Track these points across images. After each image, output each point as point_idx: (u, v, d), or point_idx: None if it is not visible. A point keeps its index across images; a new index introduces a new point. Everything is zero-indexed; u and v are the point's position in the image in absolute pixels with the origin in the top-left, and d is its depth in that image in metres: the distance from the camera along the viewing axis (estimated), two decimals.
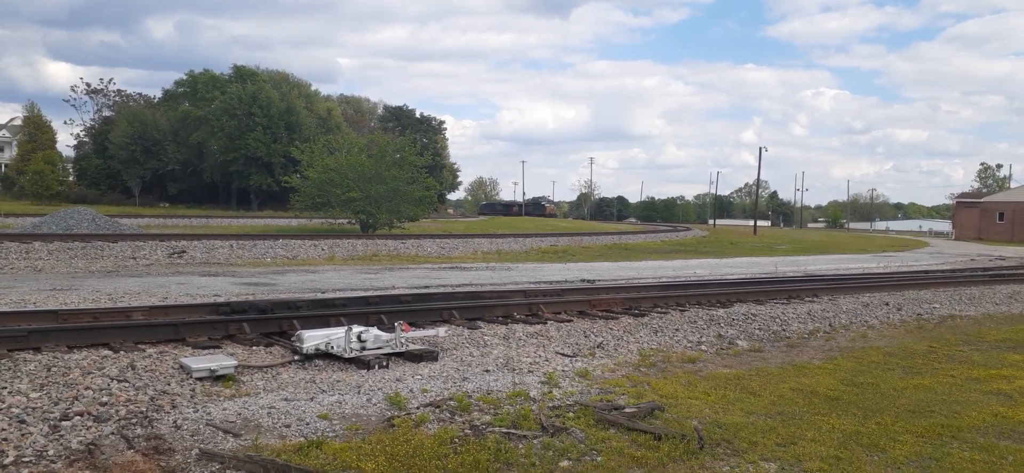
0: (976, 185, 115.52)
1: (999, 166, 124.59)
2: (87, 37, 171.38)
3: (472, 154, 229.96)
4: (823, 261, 29.07)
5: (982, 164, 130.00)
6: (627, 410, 6.16)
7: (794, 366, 8.60)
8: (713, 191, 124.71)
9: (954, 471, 5.13)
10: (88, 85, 77.54)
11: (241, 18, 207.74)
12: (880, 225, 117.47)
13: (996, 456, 5.48)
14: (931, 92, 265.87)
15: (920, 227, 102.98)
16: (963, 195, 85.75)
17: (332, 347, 7.58)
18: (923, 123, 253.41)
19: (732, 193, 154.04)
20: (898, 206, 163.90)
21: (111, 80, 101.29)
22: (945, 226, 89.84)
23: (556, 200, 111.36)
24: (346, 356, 7.53)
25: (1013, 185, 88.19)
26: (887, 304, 14.13)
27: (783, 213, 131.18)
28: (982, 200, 75.71)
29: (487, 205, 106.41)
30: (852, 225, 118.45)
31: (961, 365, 8.96)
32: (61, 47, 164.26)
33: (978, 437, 5.94)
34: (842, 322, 12.11)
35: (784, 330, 11.09)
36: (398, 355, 7.88)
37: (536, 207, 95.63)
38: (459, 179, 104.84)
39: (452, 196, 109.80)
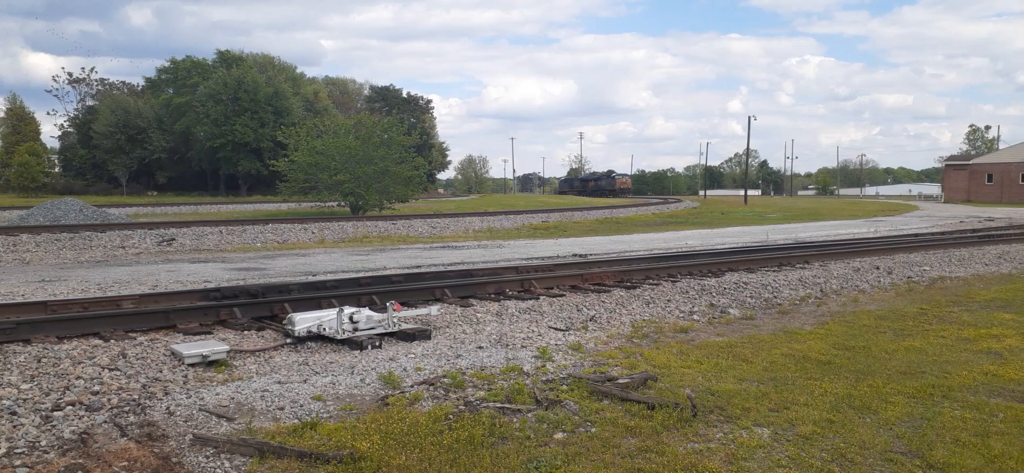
0: (965, 147, 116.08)
1: (987, 128, 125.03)
2: (66, 27, 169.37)
3: (460, 132, 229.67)
4: (814, 228, 29.18)
5: (971, 126, 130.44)
6: (620, 381, 6.17)
7: (786, 332, 8.64)
8: (703, 162, 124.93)
9: (946, 430, 5.17)
10: (70, 75, 77.18)
11: (221, 2, 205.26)
12: (870, 190, 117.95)
13: (987, 414, 5.53)
14: (915, 56, 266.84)
15: (910, 191, 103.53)
16: (952, 158, 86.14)
17: (324, 329, 7.56)
18: (908, 87, 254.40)
19: (722, 163, 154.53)
20: (887, 171, 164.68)
21: (93, 69, 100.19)
22: (934, 189, 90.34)
23: (545, 176, 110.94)
24: (338, 337, 7.52)
25: (1001, 146, 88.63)
26: (878, 268, 14.20)
27: (773, 182, 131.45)
28: (971, 162, 76.11)
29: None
30: (842, 191, 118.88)
31: (951, 326, 9.02)
32: (40, 38, 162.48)
33: (969, 396, 5.99)
34: (833, 287, 12.16)
35: (775, 297, 11.14)
36: (391, 335, 7.87)
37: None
38: (448, 159, 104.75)
39: (442, 176, 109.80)
